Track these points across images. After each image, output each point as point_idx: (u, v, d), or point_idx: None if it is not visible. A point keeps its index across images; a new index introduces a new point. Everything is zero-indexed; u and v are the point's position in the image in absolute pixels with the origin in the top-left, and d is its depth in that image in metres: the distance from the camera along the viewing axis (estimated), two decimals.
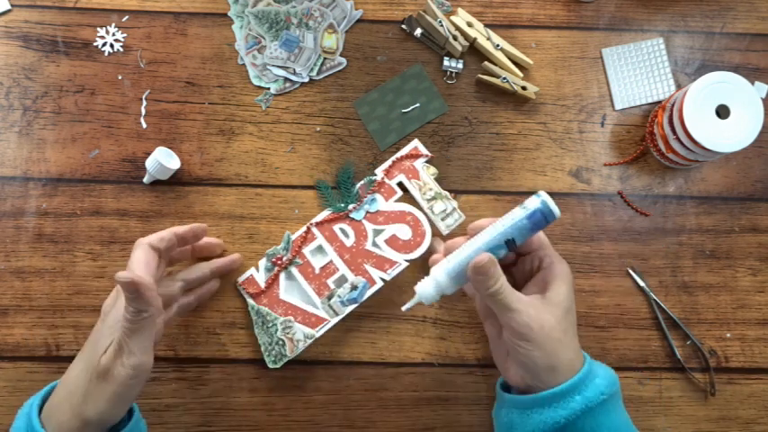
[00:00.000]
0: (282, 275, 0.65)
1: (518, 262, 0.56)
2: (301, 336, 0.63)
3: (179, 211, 0.67)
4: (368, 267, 0.65)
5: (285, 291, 0.65)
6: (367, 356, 0.65)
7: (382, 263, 0.65)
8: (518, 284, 0.54)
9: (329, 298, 0.64)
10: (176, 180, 0.67)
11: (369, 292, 0.64)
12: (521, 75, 0.70)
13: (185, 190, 0.67)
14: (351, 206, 0.66)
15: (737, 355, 0.67)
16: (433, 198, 0.65)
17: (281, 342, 0.63)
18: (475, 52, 0.71)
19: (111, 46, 0.69)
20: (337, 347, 0.65)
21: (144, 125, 0.68)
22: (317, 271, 0.65)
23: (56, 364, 0.64)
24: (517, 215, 0.51)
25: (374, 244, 0.65)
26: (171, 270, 0.63)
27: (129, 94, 0.69)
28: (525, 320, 0.48)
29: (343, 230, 0.66)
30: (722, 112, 0.63)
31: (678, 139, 0.64)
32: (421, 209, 0.66)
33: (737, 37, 0.72)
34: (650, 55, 0.71)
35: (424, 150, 0.68)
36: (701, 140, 0.62)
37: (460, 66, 0.70)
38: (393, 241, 0.65)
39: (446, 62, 0.69)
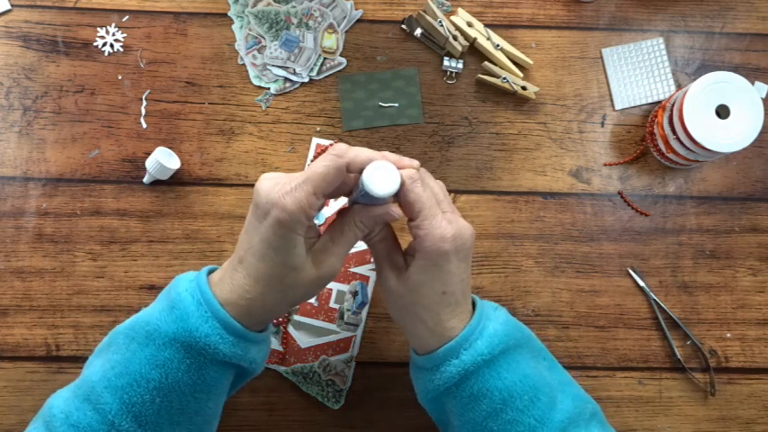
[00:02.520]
0: (290, 328, 0.64)
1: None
2: (342, 365, 0.63)
3: (179, 211, 0.67)
4: (354, 270, 0.65)
5: (302, 339, 0.64)
6: (367, 356, 0.65)
7: (362, 257, 0.65)
8: None
9: (341, 317, 0.64)
10: (176, 180, 0.67)
11: (370, 288, 0.64)
12: (521, 75, 0.70)
13: (185, 190, 0.67)
14: None
15: (737, 355, 0.67)
16: None
17: (330, 382, 0.63)
18: (475, 52, 0.71)
19: (111, 46, 0.69)
20: None
21: (144, 125, 0.68)
22: (315, 304, 0.65)
23: (56, 364, 0.64)
24: (356, 193, 0.48)
25: None
26: None
27: (129, 94, 0.69)
28: (381, 279, 0.52)
29: None
30: (722, 112, 0.63)
31: (678, 139, 0.64)
32: None
33: (737, 37, 0.72)
34: (650, 55, 0.71)
35: (325, 142, 0.68)
36: (701, 140, 0.62)
37: (460, 66, 0.70)
38: None
39: (446, 62, 0.69)
